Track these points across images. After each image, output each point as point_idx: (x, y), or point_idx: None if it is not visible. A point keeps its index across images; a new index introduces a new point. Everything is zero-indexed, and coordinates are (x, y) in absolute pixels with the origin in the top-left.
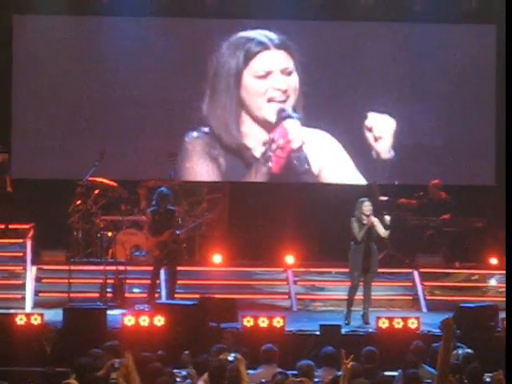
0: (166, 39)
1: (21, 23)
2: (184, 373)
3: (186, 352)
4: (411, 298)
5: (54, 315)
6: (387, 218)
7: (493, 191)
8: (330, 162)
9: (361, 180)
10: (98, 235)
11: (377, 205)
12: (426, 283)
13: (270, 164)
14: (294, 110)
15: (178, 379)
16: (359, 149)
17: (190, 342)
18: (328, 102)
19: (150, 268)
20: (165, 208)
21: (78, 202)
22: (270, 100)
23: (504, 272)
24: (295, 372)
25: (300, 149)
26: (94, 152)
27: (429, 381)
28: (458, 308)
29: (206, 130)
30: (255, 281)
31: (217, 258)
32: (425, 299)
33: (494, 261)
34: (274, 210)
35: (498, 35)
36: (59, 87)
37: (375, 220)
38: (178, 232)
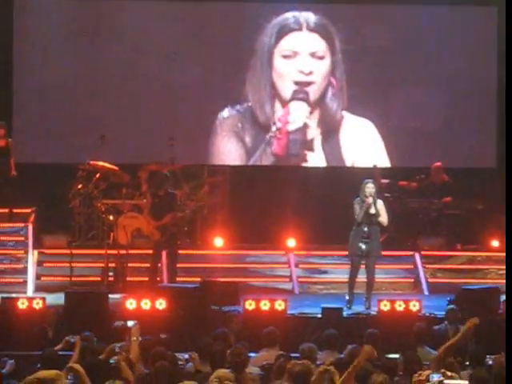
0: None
1: (22, 4)
2: (186, 356)
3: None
4: (413, 280)
5: (56, 299)
6: (379, 201)
7: (494, 173)
8: (364, 151)
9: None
10: (100, 219)
11: (377, 187)
12: (427, 266)
13: (272, 146)
14: (306, 92)
15: (180, 362)
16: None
17: (192, 325)
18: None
19: (151, 252)
20: (165, 191)
21: (80, 185)
22: (295, 82)
23: (504, 254)
24: (297, 355)
25: (298, 131)
26: (96, 136)
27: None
28: (459, 290)
29: (242, 108)
30: (257, 264)
31: (218, 242)
32: (426, 282)
33: (495, 243)
34: (276, 193)
35: (499, 17)
36: (62, 70)
37: (379, 203)
38: (178, 215)
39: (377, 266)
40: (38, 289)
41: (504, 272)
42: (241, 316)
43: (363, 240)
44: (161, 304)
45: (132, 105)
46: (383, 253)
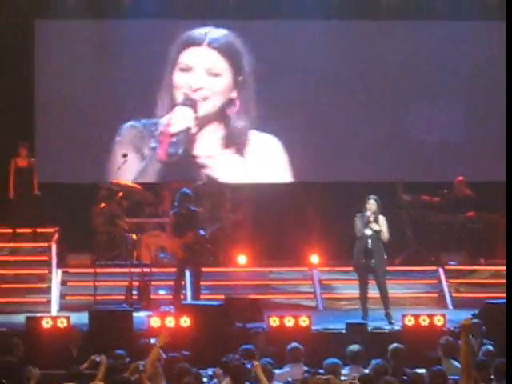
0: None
1: (42, 27)
2: (210, 372)
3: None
4: (437, 295)
5: (80, 318)
6: (381, 218)
7: None
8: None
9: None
10: (123, 238)
11: (400, 202)
12: (451, 280)
13: (157, 151)
14: (194, 101)
15: (204, 379)
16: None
17: (216, 342)
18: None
19: (175, 269)
20: (187, 209)
21: (102, 204)
22: (185, 95)
23: None
24: (322, 371)
25: (180, 134)
26: (118, 155)
27: (457, 377)
28: (483, 305)
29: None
30: (280, 281)
31: (241, 259)
32: (450, 296)
33: None
34: (298, 209)
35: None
36: (82, 91)
37: (381, 218)
38: (202, 233)
39: (401, 282)
40: (62, 308)
41: None
42: (265, 333)
43: (365, 255)
44: (185, 322)
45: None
46: (405, 268)
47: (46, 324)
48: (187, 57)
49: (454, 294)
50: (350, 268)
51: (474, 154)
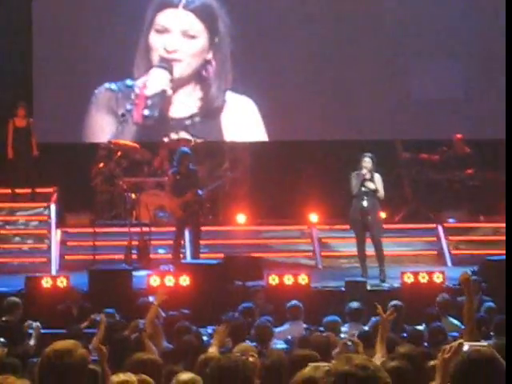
0: None
1: None
2: (209, 331)
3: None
4: (436, 252)
5: (80, 277)
6: (377, 175)
7: None
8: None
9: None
10: (122, 197)
11: (399, 160)
12: (450, 238)
13: (133, 116)
14: (170, 64)
15: (204, 337)
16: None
17: (216, 300)
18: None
19: (174, 229)
20: (186, 168)
21: (101, 164)
22: (160, 57)
23: None
24: (321, 328)
25: (155, 96)
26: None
27: (454, 333)
28: (483, 261)
29: (122, 85)
30: (279, 239)
31: (241, 218)
32: (450, 254)
33: None
34: (297, 168)
35: None
36: (81, 51)
37: (377, 176)
38: (200, 192)
39: (400, 239)
40: (61, 267)
41: None
42: (264, 291)
43: (362, 213)
44: (184, 280)
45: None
46: (404, 225)
47: (46, 284)
48: (163, 18)
49: (453, 252)
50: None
51: (473, 112)
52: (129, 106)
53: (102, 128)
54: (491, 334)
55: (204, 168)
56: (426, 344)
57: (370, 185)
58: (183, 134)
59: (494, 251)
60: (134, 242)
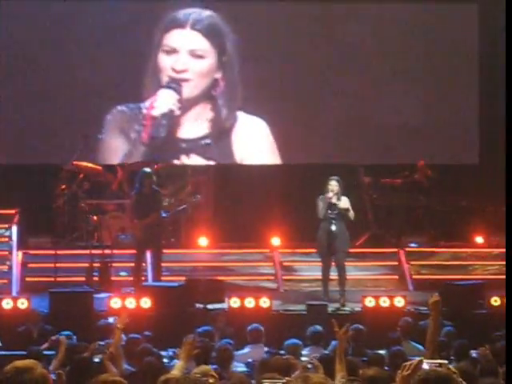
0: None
1: (6, 8)
2: (170, 353)
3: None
4: (397, 277)
5: (41, 299)
6: (344, 198)
7: (476, 170)
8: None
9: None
10: (84, 219)
11: (360, 185)
12: (412, 262)
13: (141, 135)
14: (176, 82)
15: (165, 360)
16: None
17: (177, 323)
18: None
19: (135, 251)
20: (149, 188)
21: (63, 186)
22: (169, 78)
23: (488, 250)
24: (282, 352)
25: (163, 117)
26: (78, 136)
27: (416, 357)
28: (443, 286)
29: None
30: (241, 262)
31: (203, 241)
32: (411, 278)
33: (479, 239)
34: (260, 192)
35: (479, 14)
36: (42, 69)
37: (344, 199)
38: (164, 215)
39: (361, 264)
40: (22, 289)
41: (489, 268)
42: (226, 314)
43: (329, 237)
44: (146, 303)
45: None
46: (366, 250)
47: (7, 305)
48: (171, 39)
49: (414, 276)
50: (311, 250)
51: (434, 138)
52: (137, 127)
53: (114, 150)
54: (451, 357)
55: (167, 191)
56: (386, 368)
57: (342, 204)
58: (194, 157)
59: (455, 276)
60: (96, 264)
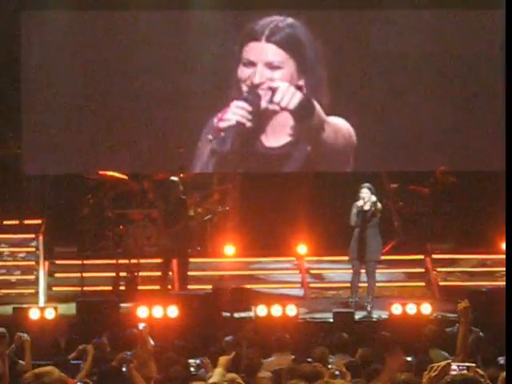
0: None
1: (28, 19)
2: (198, 361)
3: None
4: (424, 284)
5: (68, 309)
6: (379, 204)
7: (502, 176)
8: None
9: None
10: (110, 229)
11: (386, 192)
12: (438, 269)
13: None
14: (256, 95)
15: (192, 368)
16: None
17: (204, 332)
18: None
19: (162, 260)
20: (177, 197)
21: (89, 195)
22: (247, 89)
23: None
24: (309, 359)
25: (229, 129)
26: (104, 146)
27: None
28: (470, 292)
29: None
30: (268, 270)
31: (229, 249)
32: (437, 285)
33: (505, 246)
34: (286, 199)
35: (503, 20)
36: (69, 82)
37: (379, 206)
38: (190, 223)
39: (388, 271)
40: (49, 299)
41: None
42: (252, 322)
43: (360, 244)
44: (172, 311)
45: (140, 114)
46: (393, 257)
47: (34, 315)
48: (247, 52)
49: (440, 283)
50: (338, 257)
51: (460, 144)
52: (210, 137)
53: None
54: (479, 364)
55: (193, 200)
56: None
57: (370, 214)
58: (276, 165)
59: (481, 282)
60: (122, 274)
